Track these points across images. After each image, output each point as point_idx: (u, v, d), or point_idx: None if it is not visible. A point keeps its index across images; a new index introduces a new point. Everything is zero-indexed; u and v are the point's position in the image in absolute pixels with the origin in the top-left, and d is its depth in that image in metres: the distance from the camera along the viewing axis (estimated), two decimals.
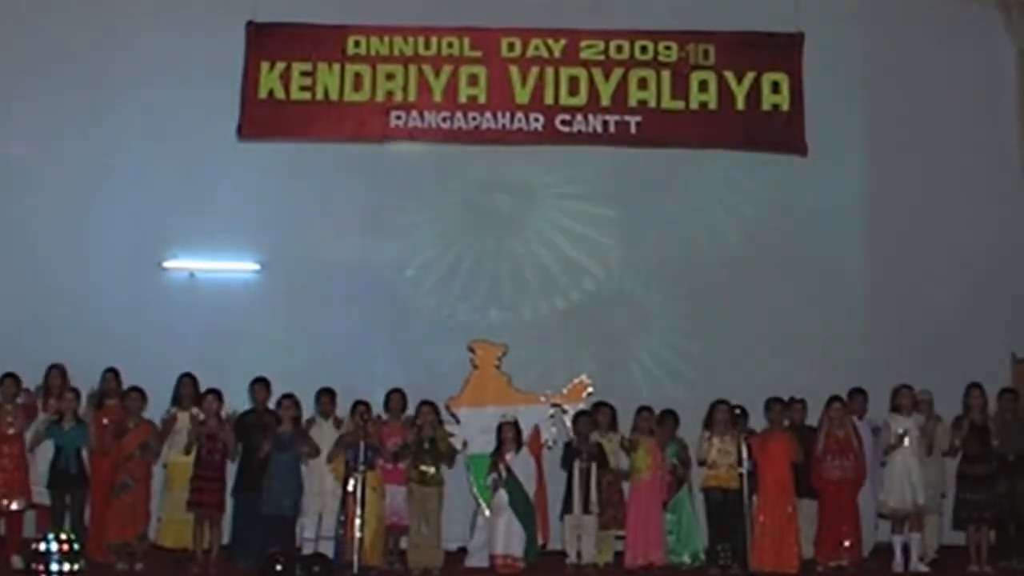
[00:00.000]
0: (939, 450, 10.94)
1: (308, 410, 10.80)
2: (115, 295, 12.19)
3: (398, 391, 10.96)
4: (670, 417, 10.98)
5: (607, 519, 10.68)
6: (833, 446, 10.63)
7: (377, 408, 10.76)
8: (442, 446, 10.56)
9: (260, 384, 10.84)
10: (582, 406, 11.06)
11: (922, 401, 10.94)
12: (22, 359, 10.70)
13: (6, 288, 12.10)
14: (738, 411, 10.46)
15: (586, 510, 10.54)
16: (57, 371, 10.69)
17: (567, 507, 10.61)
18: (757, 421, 10.73)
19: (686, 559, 10.73)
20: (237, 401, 10.79)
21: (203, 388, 10.73)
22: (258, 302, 12.46)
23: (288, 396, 10.61)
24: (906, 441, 10.52)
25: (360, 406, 10.44)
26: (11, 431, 10.22)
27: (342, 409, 10.78)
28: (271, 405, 10.78)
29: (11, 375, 10.44)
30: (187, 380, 10.83)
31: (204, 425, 10.40)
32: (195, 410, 10.58)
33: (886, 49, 12.64)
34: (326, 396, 10.84)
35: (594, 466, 10.56)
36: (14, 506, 10.20)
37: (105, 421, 10.47)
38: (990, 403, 10.86)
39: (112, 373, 10.83)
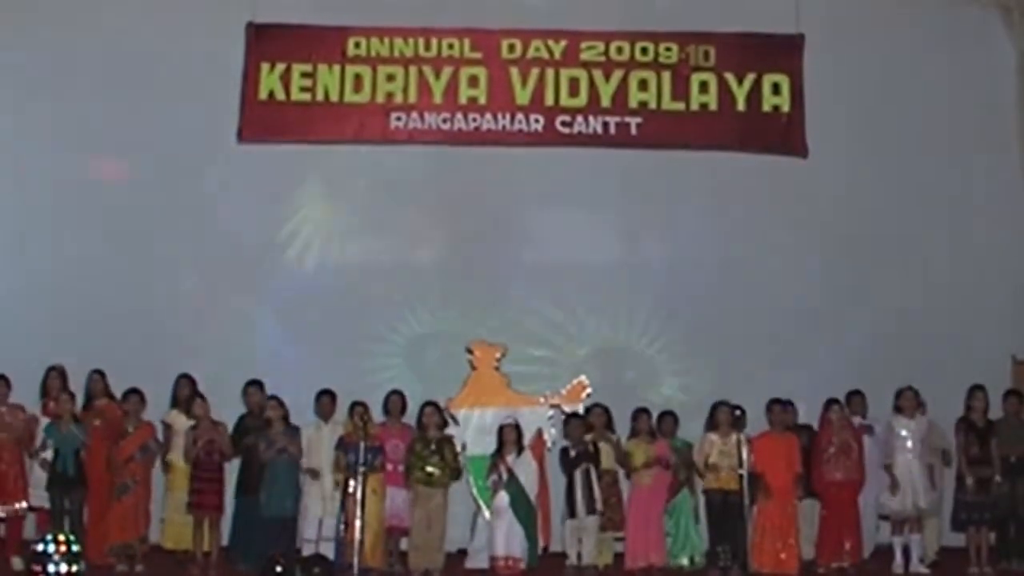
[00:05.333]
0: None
1: (307, 412, 10.81)
2: (114, 294, 12.17)
3: (397, 392, 10.95)
4: (669, 418, 10.96)
5: (606, 521, 10.67)
6: (836, 448, 10.62)
7: (376, 409, 10.75)
8: (448, 456, 10.55)
9: (253, 387, 10.82)
10: (577, 408, 11.04)
11: (925, 403, 10.92)
12: (21, 361, 10.69)
13: (3, 287, 12.11)
14: (738, 412, 10.47)
15: (590, 511, 10.54)
16: (56, 373, 10.64)
17: (571, 512, 10.57)
18: (758, 422, 10.71)
19: (684, 561, 10.70)
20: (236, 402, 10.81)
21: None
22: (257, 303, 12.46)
23: (272, 398, 10.61)
24: (909, 444, 10.54)
25: (358, 407, 10.46)
26: (3, 434, 10.19)
27: (340, 412, 10.77)
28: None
29: (1, 376, 10.41)
30: (184, 381, 10.81)
31: (201, 429, 10.40)
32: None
33: (886, 50, 12.60)
34: (326, 398, 10.83)
35: (592, 467, 10.56)
36: (15, 508, 10.18)
37: (97, 422, 10.47)
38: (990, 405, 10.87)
39: (98, 374, 10.79)
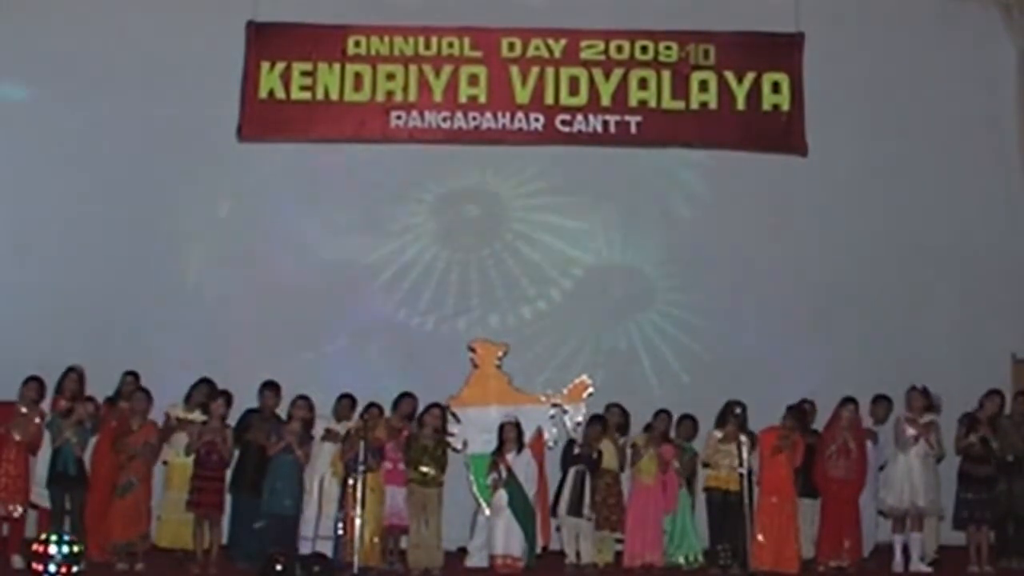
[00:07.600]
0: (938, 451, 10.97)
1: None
2: (114, 293, 12.15)
3: (409, 395, 10.95)
4: (688, 422, 10.97)
5: (603, 521, 10.66)
6: (841, 446, 10.61)
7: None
8: (436, 452, 10.58)
9: (270, 389, 10.83)
10: (584, 408, 11.03)
11: (936, 405, 10.90)
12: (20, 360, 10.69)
13: (7, 288, 12.09)
14: (738, 411, 10.48)
15: (576, 513, 10.55)
16: (74, 374, 10.59)
17: (553, 508, 10.64)
18: (757, 423, 10.71)
19: (681, 560, 10.72)
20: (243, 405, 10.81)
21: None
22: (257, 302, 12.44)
23: (303, 397, 10.60)
24: (920, 443, 10.55)
25: (373, 408, 10.55)
26: (18, 436, 10.17)
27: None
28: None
29: (35, 378, 10.33)
30: (203, 386, 10.77)
31: (207, 428, 10.40)
32: (197, 412, 10.60)
33: (886, 49, 12.62)
34: (346, 400, 10.83)
35: (587, 471, 10.57)
36: (15, 511, 10.17)
37: (115, 423, 10.46)
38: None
39: (132, 376, 10.78)
